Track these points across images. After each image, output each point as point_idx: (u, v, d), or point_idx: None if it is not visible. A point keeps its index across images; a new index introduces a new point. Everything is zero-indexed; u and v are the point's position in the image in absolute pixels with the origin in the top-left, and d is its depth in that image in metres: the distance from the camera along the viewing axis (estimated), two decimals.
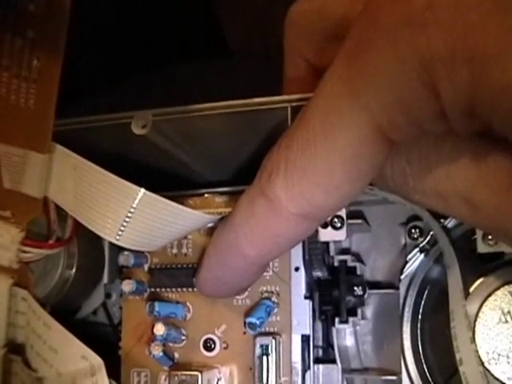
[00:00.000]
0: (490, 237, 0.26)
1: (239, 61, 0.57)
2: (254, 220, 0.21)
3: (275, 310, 0.28)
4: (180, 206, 0.25)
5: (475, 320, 0.26)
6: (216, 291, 0.26)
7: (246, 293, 0.28)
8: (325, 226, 0.30)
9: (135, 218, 0.24)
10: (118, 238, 0.25)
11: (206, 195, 0.30)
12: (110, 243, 0.32)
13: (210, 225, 0.29)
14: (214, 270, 0.25)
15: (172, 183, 0.30)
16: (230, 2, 0.64)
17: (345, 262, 0.31)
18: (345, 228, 0.30)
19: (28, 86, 0.24)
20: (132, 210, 0.24)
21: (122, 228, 0.25)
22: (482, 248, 0.27)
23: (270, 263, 0.28)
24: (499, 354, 0.26)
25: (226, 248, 0.23)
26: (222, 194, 0.30)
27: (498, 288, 0.26)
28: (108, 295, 0.33)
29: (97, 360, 0.26)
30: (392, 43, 0.17)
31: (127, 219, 0.24)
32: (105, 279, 0.32)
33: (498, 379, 0.25)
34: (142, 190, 0.24)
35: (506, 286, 0.27)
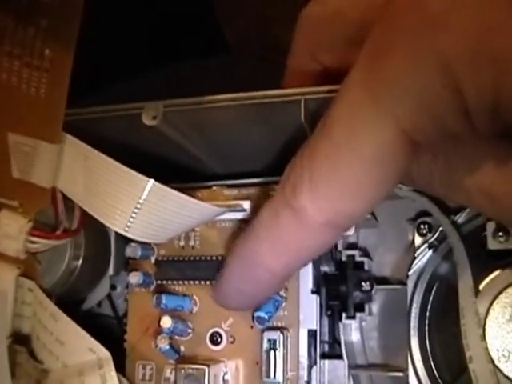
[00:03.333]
0: (500, 233, 0.26)
1: (237, 60, 0.56)
2: (279, 232, 0.21)
3: (283, 305, 0.28)
4: (189, 198, 0.25)
5: (485, 317, 0.26)
6: (238, 304, 0.26)
7: None
8: None
9: (144, 210, 0.24)
10: (126, 229, 0.24)
11: (214, 188, 0.30)
12: (117, 234, 0.32)
13: (218, 217, 0.28)
14: (236, 284, 0.24)
15: (180, 175, 0.30)
16: (227, 2, 0.64)
17: (352, 256, 0.30)
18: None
19: (40, 75, 0.24)
20: (141, 201, 0.24)
21: (131, 219, 0.24)
22: (492, 245, 0.27)
23: None
24: (510, 352, 0.25)
25: (249, 261, 0.23)
26: (230, 186, 0.29)
27: (508, 285, 0.26)
28: (113, 287, 0.32)
29: (104, 353, 0.25)
30: (413, 46, 0.17)
31: (136, 210, 0.24)
32: (110, 271, 0.32)
33: (508, 377, 0.25)
34: (152, 181, 0.24)
35: None
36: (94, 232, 0.30)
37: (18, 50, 0.24)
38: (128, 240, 0.31)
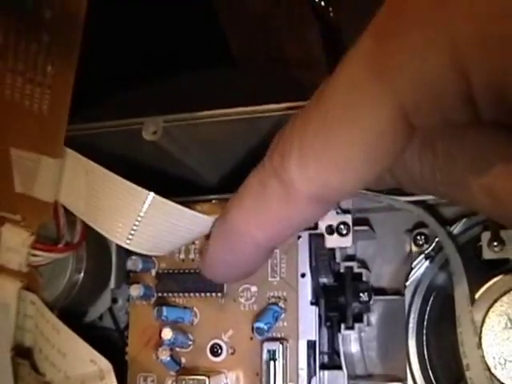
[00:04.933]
0: (495, 243, 0.27)
1: (241, 72, 0.57)
2: (264, 203, 0.21)
3: (282, 316, 0.28)
4: (189, 210, 0.25)
5: (482, 326, 0.26)
6: (223, 275, 0.25)
7: (254, 298, 0.29)
8: (331, 232, 0.30)
9: (145, 222, 0.25)
10: (128, 242, 0.25)
11: (213, 201, 0.30)
12: (118, 248, 0.32)
13: None
14: (220, 254, 0.24)
15: (180, 189, 0.30)
16: (232, 13, 0.65)
17: (351, 268, 0.31)
18: (351, 235, 0.30)
19: (42, 91, 0.24)
20: (142, 214, 0.24)
21: (133, 232, 0.25)
22: (487, 254, 0.27)
23: (278, 269, 0.28)
24: (506, 359, 0.26)
25: (234, 231, 0.22)
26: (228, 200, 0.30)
27: (503, 294, 0.26)
28: (114, 300, 0.33)
29: (106, 364, 0.26)
30: (423, 23, 0.16)
31: (137, 223, 0.25)
32: (112, 284, 0.32)
33: None
34: (152, 194, 0.24)
35: None
36: (96, 245, 0.31)
37: (20, 67, 0.25)
38: (129, 253, 0.31)
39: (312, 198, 0.20)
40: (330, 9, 0.67)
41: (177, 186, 0.30)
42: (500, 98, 0.16)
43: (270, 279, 0.28)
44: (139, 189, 0.24)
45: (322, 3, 0.66)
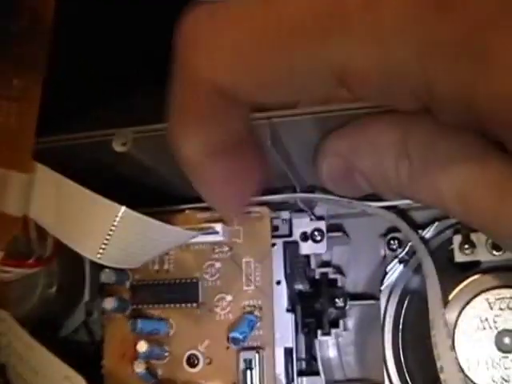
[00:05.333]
0: (466, 246, 0.27)
1: None
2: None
3: (258, 324, 0.28)
4: (161, 223, 0.25)
5: (454, 328, 0.26)
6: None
7: (228, 308, 0.29)
8: (305, 239, 0.31)
9: (116, 236, 0.24)
10: (99, 256, 0.24)
11: (186, 211, 0.30)
12: (91, 260, 0.32)
13: (192, 240, 0.29)
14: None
15: (152, 199, 0.30)
16: None
17: (326, 274, 0.31)
18: (325, 241, 0.30)
19: (9, 104, 0.24)
20: (113, 227, 0.24)
21: (104, 246, 0.25)
22: (459, 257, 0.27)
23: (252, 277, 0.28)
24: (478, 361, 0.26)
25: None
26: (202, 209, 0.30)
27: (475, 296, 0.26)
28: (89, 313, 0.32)
29: (80, 380, 0.25)
30: (405, 7, 0.16)
31: (108, 237, 0.24)
32: (86, 297, 0.32)
33: None
34: (123, 208, 0.24)
35: (483, 294, 0.27)
36: (68, 259, 0.30)
37: None
38: (103, 266, 0.31)
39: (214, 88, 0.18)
40: None
41: (148, 196, 0.30)
42: (463, 110, 0.17)
43: (244, 288, 0.28)
44: (110, 203, 0.24)
45: None
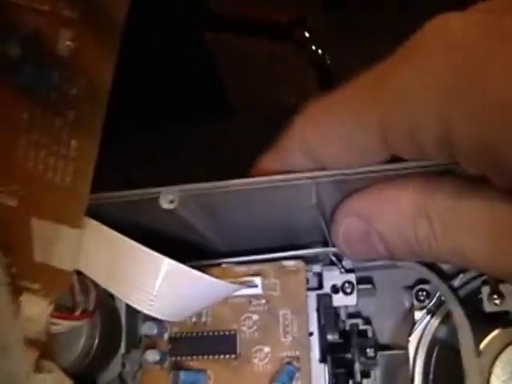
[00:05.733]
0: (495, 296, 0.28)
1: (239, 119, 0.59)
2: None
3: (297, 375, 0.29)
4: (206, 276, 0.26)
5: (488, 377, 0.27)
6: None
7: (266, 359, 0.29)
8: (336, 291, 0.32)
9: (164, 288, 0.26)
10: (149, 308, 0.26)
11: (223, 265, 0.31)
12: (127, 312, 0.33)
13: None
14: None
15: (189, 253, 0.31)
16: (231, 63, 0.68)
17: (356, 325, 0.32)
18: (355, 293, 0.32)
19: (65, 163, 0.26)
20: (160, 280, 0.25)
21: (153, 298, 0.26)
22: (488, 307, 0.29)
23: (289, 328, 0.29)
24: None
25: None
26: (238, 263, 0.31)
27: (508, 344, 0.28)
28: (124, 365, 0.33)
29: None
30: (424, 68, 0.19)
31: (156, 289, 0.25)
32: (122, 349, 0.32)
33: None
34: (169, 261, 0.25)
35: None
36: (107, 311, 0.31)
37: (45, 140, 0.26)
38: (140, 318, 0.32)
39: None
40: (327, 57, 0.71)
41: (185, 250, 0.31)
42: (480, 155, 0.19)
43: (282, 339, 0.29)
44: (157, 255, 0.25)
45: (319, 51, 0.70)
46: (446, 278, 0.31)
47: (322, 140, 0.24)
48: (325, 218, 0.28)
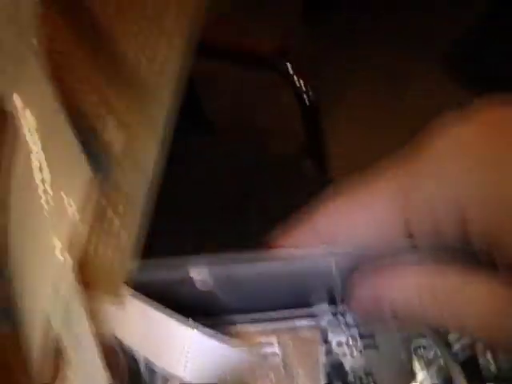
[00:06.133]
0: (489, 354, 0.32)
1: (220, 137, 0.61)
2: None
3: None
4: (234, 350, 0.29)
5: None
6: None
7: None
8: (340, 345, 0.35)
9: (193, 354, 0.28)
10: (183, 374, 0.28)
11: (237, 325, 0.33)
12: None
13: None
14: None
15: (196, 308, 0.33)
16: (208, 85, 0.70)
17: (360, 379, 0.35)
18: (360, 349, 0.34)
19: (107, 239, 0.28)
20: (188, 348, 0.28)
21: (185, 364, 0.28)
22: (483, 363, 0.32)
23: None
24: None
25: None
26: (252, 321, 0.33)
27: None
28: None
29: None
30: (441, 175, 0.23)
31: (187, 356, 0.28)
32: None
33: None
34: (195, 331, 0.28)
35: None
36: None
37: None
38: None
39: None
40: (310, 93, 0.75)
41: (194, 306, 0.33)
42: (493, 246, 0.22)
43: None
44: (184, 327, 0.28)
45: (302, 84, 0.74)
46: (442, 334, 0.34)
47: (342, 238, 0.27)
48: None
